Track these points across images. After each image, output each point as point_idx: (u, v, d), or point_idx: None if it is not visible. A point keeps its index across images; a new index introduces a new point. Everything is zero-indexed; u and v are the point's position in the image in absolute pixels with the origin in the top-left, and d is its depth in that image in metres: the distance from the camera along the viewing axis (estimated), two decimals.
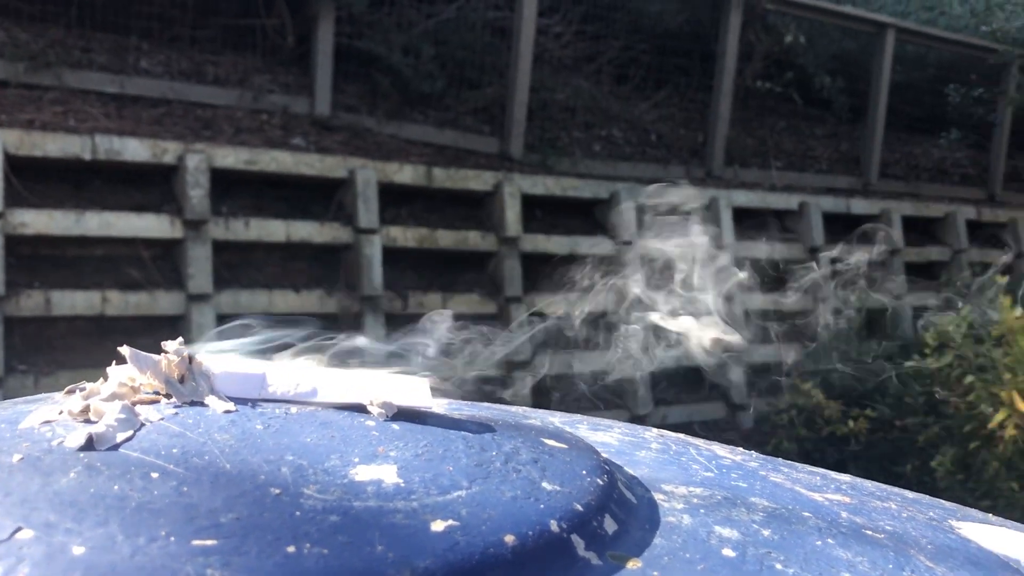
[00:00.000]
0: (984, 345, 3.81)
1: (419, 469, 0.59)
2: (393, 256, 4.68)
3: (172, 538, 0.48)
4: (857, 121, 7.43)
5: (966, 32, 7.76)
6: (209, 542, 0.48)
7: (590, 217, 5.52)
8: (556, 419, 0.93)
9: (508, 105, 5.59)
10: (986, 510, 1.00)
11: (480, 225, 5.05)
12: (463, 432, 0.67)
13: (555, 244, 5.17)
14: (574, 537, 0.56)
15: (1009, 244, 7.08)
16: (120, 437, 0.59)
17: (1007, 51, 6.65)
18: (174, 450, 0.58)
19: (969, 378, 3.74)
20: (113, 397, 0.64)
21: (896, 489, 0.94)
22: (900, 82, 7.48)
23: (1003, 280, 4.51)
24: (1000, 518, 0.94)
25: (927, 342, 3.98)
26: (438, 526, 0.52)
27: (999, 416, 3.46)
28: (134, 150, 4.16)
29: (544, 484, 0.60)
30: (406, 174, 4.82)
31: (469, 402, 0.88)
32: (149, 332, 4.09)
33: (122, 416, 0.61)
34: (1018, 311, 3.68)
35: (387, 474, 0.58)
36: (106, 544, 0.47)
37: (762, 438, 4.69)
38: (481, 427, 0.70)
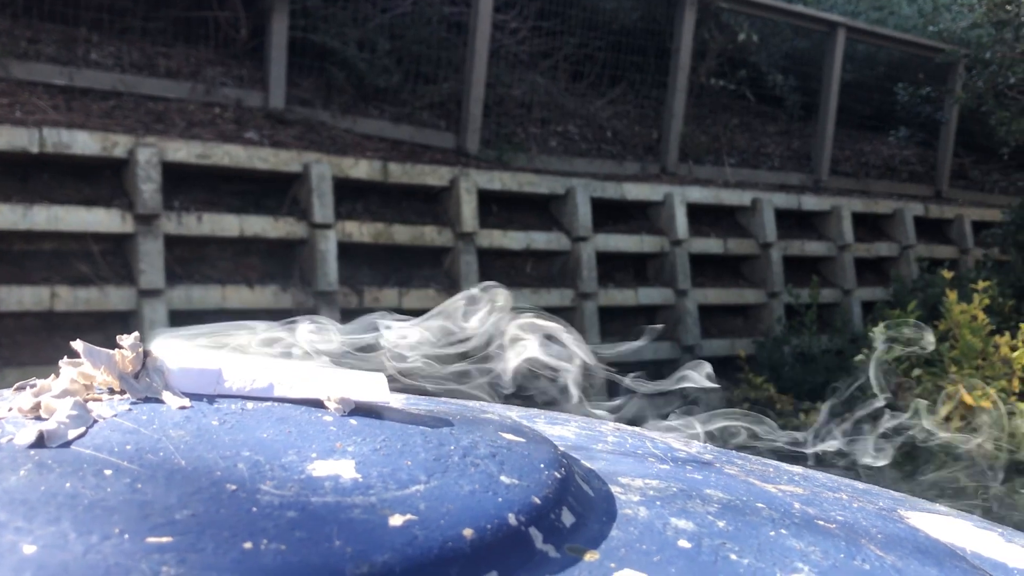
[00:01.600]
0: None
1: (377, 464, 0.59)
2: (348, 251, 4.65)
3: (126, 536, 0.47)
4: (808, 119, 7.54)
5: (914, 32, 7.91)
6: (164, 539, 0.47)
7: (546, 213, 5.53)
8: (514, 413, 0.93)
9: (464, 100, 5.58)
10: (933, 500, 1.02)
11: (436, 220, 5.04)
12: (421, 427, 0.67)
13: (511, 239, 5.18)
14: (532, 530, 0.56)
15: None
16: (72, 434, 0.58)
17: (953, 51, 6.79)
18: (128, 447, 0.57)
19: (916, 372, 3.82)
20: (65, 393, 0.63)
21: (847, 480, 0.96)
22: (850, 81, 7.60)
23: (949, 275, 4.61)
24: (947, 507, 0.96)
25: (875, 336, 4.05)
26: (396, 520, 0.52)
27: (945, 408, 3.54)
28: (83, 143, 4.08)
29: (502, 478, 0.61)
30: (361, 169, 4.79)
31: (427, 397, 0.88)
32: (99, 328, 4.03)
33: (74, 413, 0.60)
34: (963, 306, 3.76)
35: (345, 469, 0.57)
36: (58, 542, 0.46)
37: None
38: (439, 422, 0.70)
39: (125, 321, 4.04)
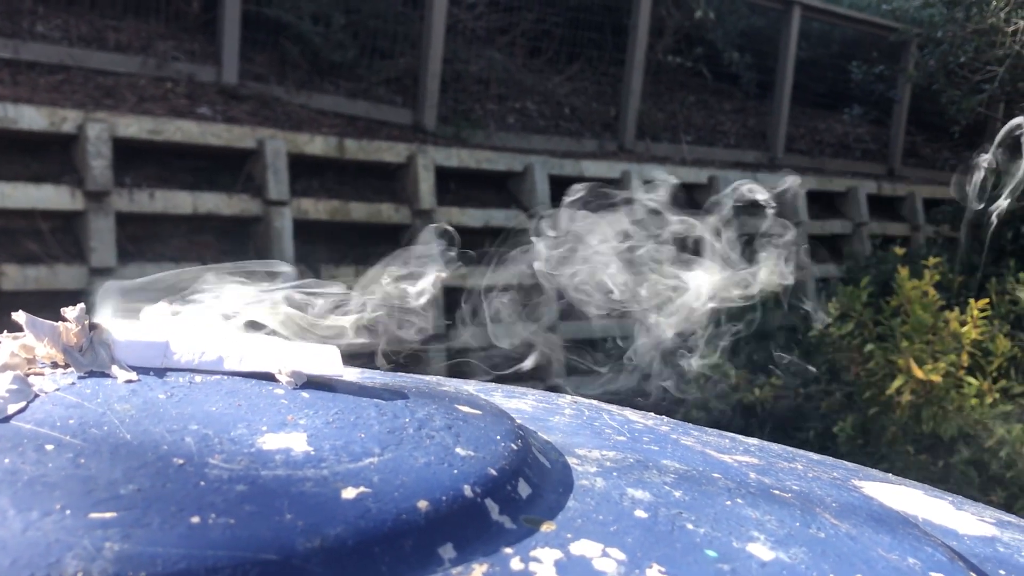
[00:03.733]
0: (883, 314, 3.95)
1: (330, 437, 0.58)
2: (304, 229, 4.60)
3: (68, 511, 0.46)
4: (764, 96, 7.58)
5: (868, 11, 7.98)
6: (108, 515, 0.46)
7: (504, 190, 5.52)
8: (470, 387, 0.92)
9: (421, 76, 5.53)
10: (884, 471, 1.04)
11: (394, 198, 5.00)
12: (375, 399, 0.66)
13: (469, 217, 5.15)
14: (488, 502, 0.55)
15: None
16: (11, 409, 0.56)
17: (906, 30, 6.85)
18: (71, 421, 0.55)
19: (869, 346, 3.87)
20: (4, 368, 0.61)
21: (802, 451, 0.97)
22: (805, 59, 7.65)
23: (901, 252, 4.68)
24: (899, 477, 0.97)
25: (829, 312, 4.10)
26: (349, 493, 0.51)
27: (896, 383, 3.60)
28: (30, 118, 3.98)
29: (458, 449, 0.60)
30: (317, 145, 4.73)
31: (382, 371, 0.87)
32: (49, 307, 3.94)
33: (13, 387, 0.58)
34: (914, 282, 3.82)
35: (296, 442, 0.56)
36: None
37: (671, 407, 4.79)
38: (394, 394, 0.69)
39: (76, 300, 3.94)
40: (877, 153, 8.25)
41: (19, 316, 0.65)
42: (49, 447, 0.52)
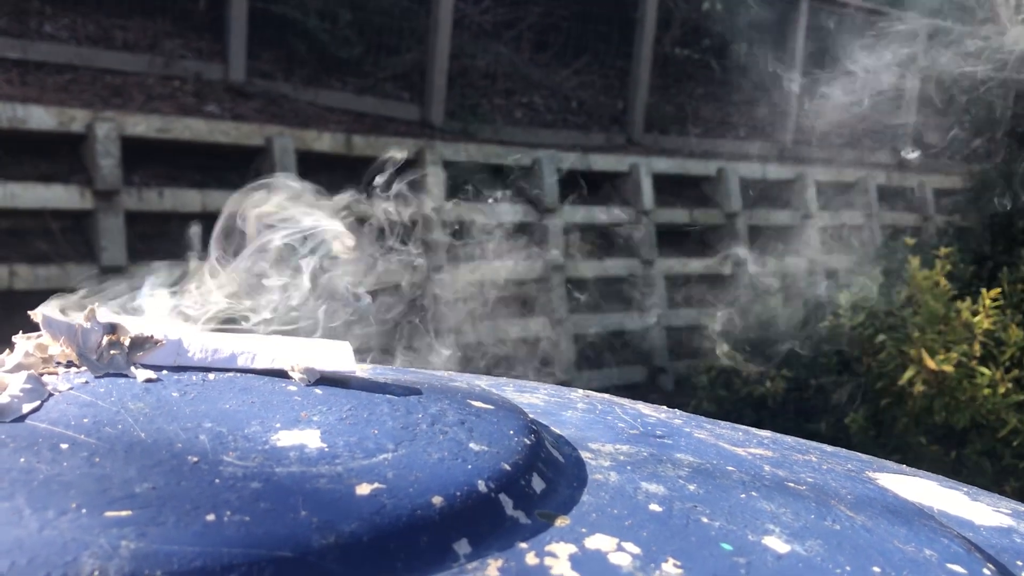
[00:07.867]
0: (894, 304, 3.93)
1: (343, 433, 0.58)
2: None
3: (83, 510, 0.46)
4: (772, 88, 7.55)
5: (876, 1, 7.93)
6: (123, 513, 0.46)
7: (512, 185, 5.51)
8: (482, 382, 0.92)
9: (428, 71, 5.53)
10: (897, 463, 1.03)
11: None
12: (388, 395, 0.66)
13: (478, 212, 5.15)
14: (502, 496, 0.55)
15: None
16: (26, 408, 0.56)
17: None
18: (85, 420, 0.55)
19: (880, 337, 3.85)
20: (19, 367, 0.62)
21: (815, 443, 0.97)
22: (814, 50, 7.61)
23: (912, 242, 4.65)
24: (913, 469, 0.97)
25: (841, 303, 4.09)
26: (364, 489, 0.51)
27: (908, 373, 3.58)
28: (39, 118, 3.99)
29: (471, 445, 0.60)
30: (325, 142, 4.73)
31: (394, 367, 0.87)
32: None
33: (28, 386, 0.58)
34: (925, 272, 3.80)
35: (310, 439, 0.56)
36: (11, 519, 0.45)
37: (683, 400, 4.78)
38: (406, 390, 0.69)
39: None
40: (887, 144, 8.20)
41: (35, 314, 0.66)
42: (64, 446, 0.52)
